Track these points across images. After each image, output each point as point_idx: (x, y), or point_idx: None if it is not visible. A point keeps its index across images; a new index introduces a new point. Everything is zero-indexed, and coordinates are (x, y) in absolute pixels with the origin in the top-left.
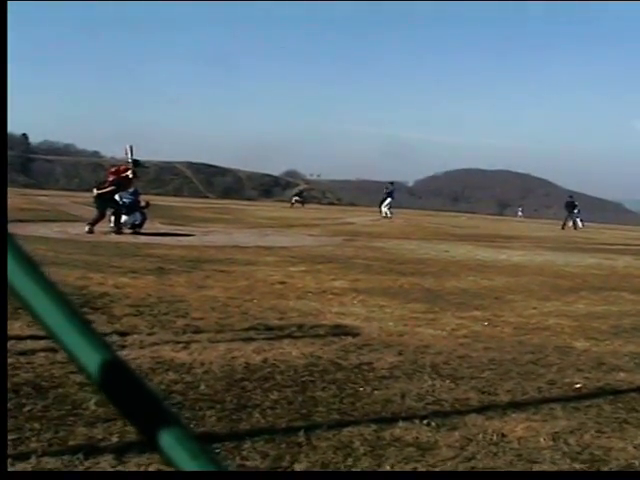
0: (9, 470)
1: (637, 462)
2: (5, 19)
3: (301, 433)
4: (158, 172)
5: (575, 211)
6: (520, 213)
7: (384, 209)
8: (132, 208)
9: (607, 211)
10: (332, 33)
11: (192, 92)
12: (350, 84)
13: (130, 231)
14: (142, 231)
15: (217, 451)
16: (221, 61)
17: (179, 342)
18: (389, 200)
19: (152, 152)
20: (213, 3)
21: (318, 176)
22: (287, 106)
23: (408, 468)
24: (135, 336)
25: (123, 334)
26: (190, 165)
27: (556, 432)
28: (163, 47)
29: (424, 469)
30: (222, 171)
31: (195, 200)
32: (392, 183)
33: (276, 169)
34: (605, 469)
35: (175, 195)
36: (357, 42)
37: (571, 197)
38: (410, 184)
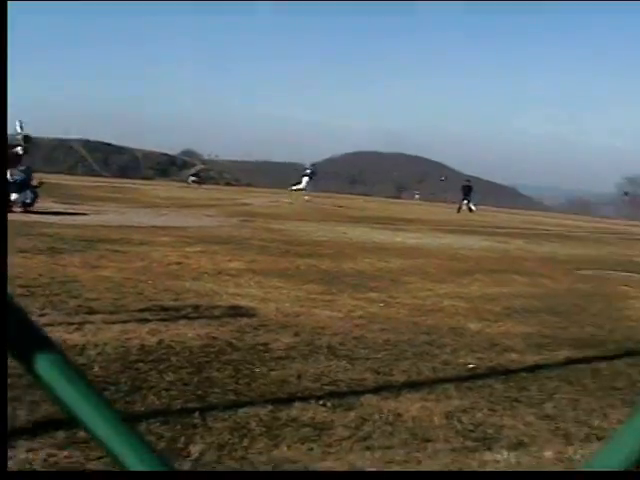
0: (9, 470)
1: (526, 439)
2: (5, 19)
3: (196, 414)
4: (51, 149)
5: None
6: (417, 196)
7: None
8: (23, 186)
9: (501, 195)
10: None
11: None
12: (241, 65)
13: (21, 210)
14: (33, 210)
15: None
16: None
17: (72, 323)
18: (306, 181)
19: (45, 128)
20: None
21: (216, 156)
22: (182, 85)
23: (304, 448)
24: None
25: None
26: (86, 143)
27: (450, 411)
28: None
29: (320, 449)
30: (118, 149)
31: (90, 179)
32: (314, 164)
33: (173, 148)
34: (496, 446)
35: (69, 173)
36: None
37: (468, 181)
38: (307, 165)
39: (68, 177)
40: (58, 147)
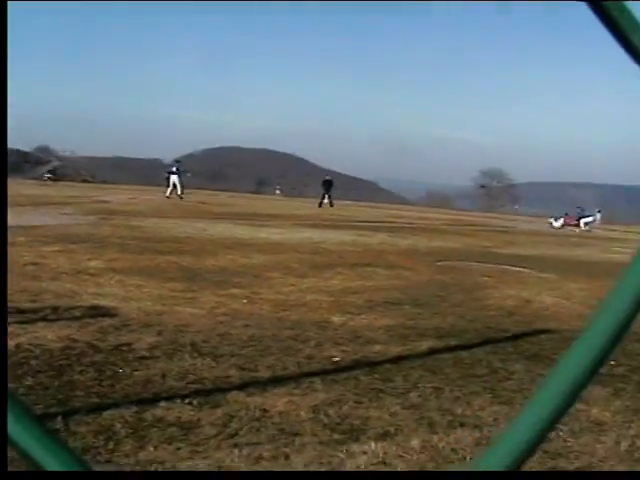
0: (9, 470)
1: (392, 429)
2: (5, 19)
3: (59, 419)
4: None
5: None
6: (278, 191)
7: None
8: None
9: (362, 189)
10: None
11: None
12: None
13: None
14: None
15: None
16: None
17: None
18: (175, 179)
19: None
20: None
21: (72, 152)
22: (36, 77)
23: (171, 448)
24: None
25: None
26: None
27: (316, 405)
28: None
29: (187, 448)
30: None
31: None
32: (178, 161)
33: (27, 144)
34: (363, 437)
35: None
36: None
37: (328, 176)
38: (168, 162)
39: None
40: None
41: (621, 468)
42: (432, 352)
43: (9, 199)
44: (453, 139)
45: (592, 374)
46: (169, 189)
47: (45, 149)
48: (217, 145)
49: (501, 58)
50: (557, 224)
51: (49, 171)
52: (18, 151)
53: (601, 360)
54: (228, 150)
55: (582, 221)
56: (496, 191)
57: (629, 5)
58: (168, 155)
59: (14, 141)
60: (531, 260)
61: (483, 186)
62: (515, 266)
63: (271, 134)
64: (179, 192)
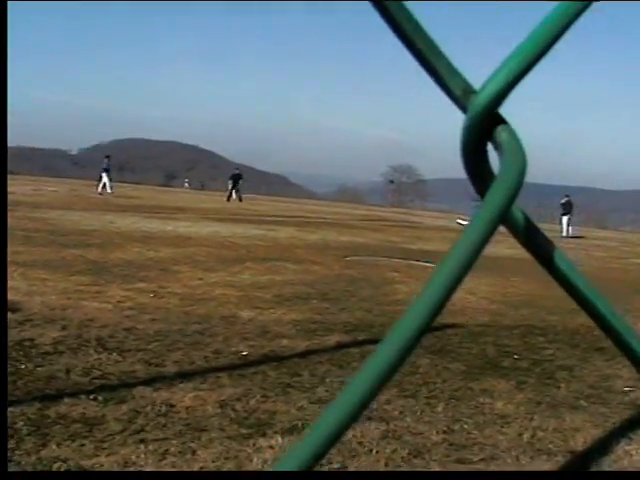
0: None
1: (300, 423)
2: (5, 19)
3: None
4: None
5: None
6: (187, 184)
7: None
8: None
9: (272, 184)
10: None
11: None
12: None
13: None
14: None
15: None
16: None
17: None
18: (106, 176)
19: None
20: None
21: None
22: None
23: (75, 445)
24: None
25: None
26: None
27: (223, 400)
28: None
29: (92, 445)
30: None
31: None
32: (108, 157)
33: None
34: (270, 432)
35: None
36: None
37: (237, 169)
38: (74, 152)
39: None
40: None
41: (523, 458)
42: (340, 346)
43: None
44: (362, 134)
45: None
46: (100, 185)
47: None
48: (125, 136)
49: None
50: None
51: None
52: None
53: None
54: (136, 141)
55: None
56: (405, 187)
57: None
58: (74, 145)
59: None
60: (439, 255)
61: (392, 181)
62: (423, 261)
63: (179, 125)
64: (109, 189)
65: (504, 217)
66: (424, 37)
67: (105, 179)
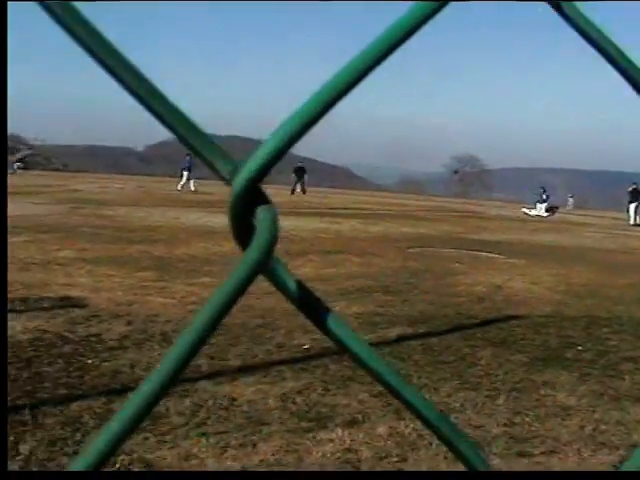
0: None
1: (360, 416)
2: (5, 19)
3: (26, 411)
4: None
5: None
6: None
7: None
8: None
9: (335, 176)
10: None
11: None
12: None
13: None
14: None
15: None
16: None
17: None
18: (186, 175)
19: None
20: None
21: (43, 140)
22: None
23: (139, 439)
24: None
25: None
26: None
27: (284, 393)
28: None
29: (155, 438)
30: None
31: None
32: (189, 155)
33: None
34: (331, 425)
35: None
36: None
37: (300, 163)
38: (140, 149)
39: None
40: None
41: (585, 451)
42: (402, 339)
43: None
44: (427, 126)
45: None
46: (182, 182)
47: (15, 138)
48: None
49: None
50: (533, 213)
51: (19, 160)
52: None
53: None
54: None
55: (539, 205)
56: (469, 177)
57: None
58: (140, 143)
59: None
60: (502, 246)
61: (456, 171)
62: (486, 252)
63: (241, 120)
64: (191, 187)
65: (259, 272)
66: (187, 124)
67: (185, 177)
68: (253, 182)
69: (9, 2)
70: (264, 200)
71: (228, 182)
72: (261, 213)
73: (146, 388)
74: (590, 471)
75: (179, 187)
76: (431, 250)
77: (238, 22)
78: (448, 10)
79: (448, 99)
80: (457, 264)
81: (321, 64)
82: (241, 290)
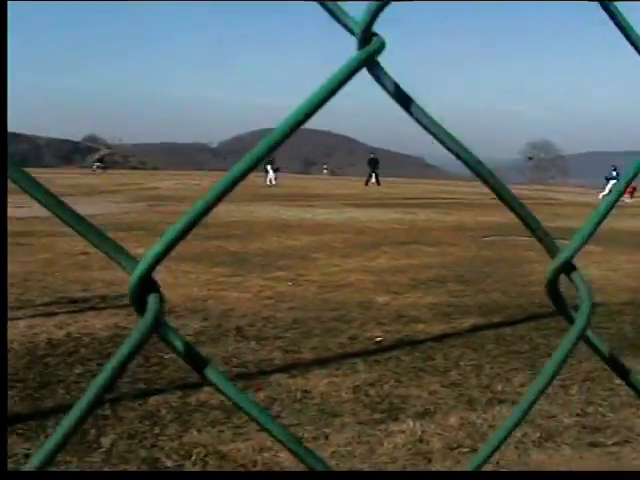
0: (8, 470)
1: (432, 407)
2: (5, 19)
3: (107, 406)
4: None
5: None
6: (325, 171)
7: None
8: None
9: (409, 166)
10: None
11: None
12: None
13: None
14: None
15: (19, 432)
16: None
17: None
18: (272, 170)
19: None
20: None
21: (120, 140)
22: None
23: (214, 432)
24: None
25: None
26: None
27: (357, 385)
28: None
29: (230, 431)
30: (15, 138)
31: None
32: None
33: (76, 134)
34: (403, 416)
35: None
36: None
37: (373, 154)
38: (214, 145)
39: None
40: None
41: None
42: (475, 329)
43: (62, 190)
44: (502, 112)
45: None
46: (268, 177)
47: (94, 138)
48: (263, 127)
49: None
50: (602, 194)
51: (98, 159)
52: (67, 141)
53: None
54: (271, 132)
55: (609, 184)
56: (544, 163)
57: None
58: (215, 138)
59: (63, 132)
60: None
61: (531, 158)
62: (562, 239)
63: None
64: (272, 181)
65: (152, 334)
66: (96, 231)
67: (270, 172)
68: (144, 276)
69: (9, 2)
70: (154, 287)
71: (128, 274)
72: (150, 297)
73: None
74: (590, 471)
75: (267, 182)
76: (505, 239)
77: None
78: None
79: (528, 87)
80: (531, 252)
81: None
82: (137, 348)
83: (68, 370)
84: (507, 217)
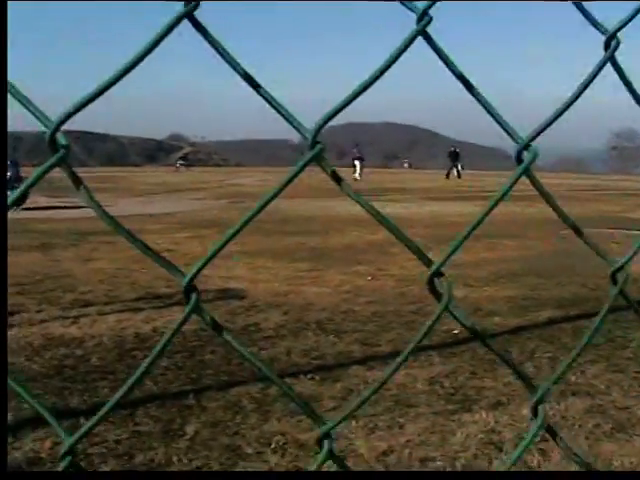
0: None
1: (504, 399)
2: (5, 19)
3: (191, 396)
4: (35, 143)
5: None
6: (406, 165)
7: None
8: (15, 180)
9: (490, 157)
10: None
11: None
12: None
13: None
14: (25, 205)
15: (111, 420)
16: None
17: (68, 317)
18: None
19: (26, 121)
20: None
21: (203, 138)
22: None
23: (293, 421)
24: (23, 314)
25: (10, 314)
26: (68, 133)
27: (432, 377)
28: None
29: (307, 421)
30: (102, 137)
31: (77, 169)
32: (357, 145)
33: (160, 133)
34: (476, 407)
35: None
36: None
37: (454, 147)
38: (295, 141)
39: (54, 170)
40: (41, 140)
41: None
42: (551, 322)
43: (146, 188)
44: (588, 101)
45: None
46: (357, 171)
47: (178, 136)
48: (343, 122)
49: None
50: None
51: (182, 157)
52: (151, 140)
53: None
54: (356, 126)
55: None
56: (629, 152)
57: None
58: (294, 134)
59: (147, 131)
60: None
61: (615, 147)
62: None
63: (393, 106)
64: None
65: None
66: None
67: (358, 166)
68: (188, 284)
69: (9, 2)
70: (195, 289)
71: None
72: (193, 294)
73: None
74: (591, 471)
75: (357, 176)
76: (587, 231)
77: None
78: None
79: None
80: (612, 244)
81: None
82: (183, 323)
83: (154, 364)
84: (588, 208)
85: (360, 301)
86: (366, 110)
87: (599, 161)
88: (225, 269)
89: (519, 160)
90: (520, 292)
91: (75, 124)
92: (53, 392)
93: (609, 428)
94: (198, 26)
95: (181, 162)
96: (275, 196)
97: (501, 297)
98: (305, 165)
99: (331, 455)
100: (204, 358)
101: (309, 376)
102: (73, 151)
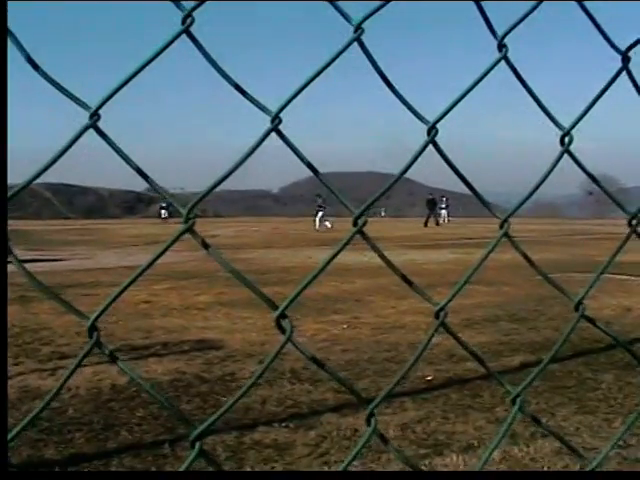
0: (9, 470)
1: (476, 442)
2: (5, 19)
3: (166, 445)
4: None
5: (442, 206)
6: (383, 213)
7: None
8: None
9: (469, 205)
10: None
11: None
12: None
13: None
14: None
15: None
16: None
17: (45, 370)
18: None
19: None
20: None
21: (182, 189)
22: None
23: (267, 468)
24: None
25: None
26: (49, 186)
27: (405, 423)
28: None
29: (281, 467)
30: (82, 190)
31: (57, 222)
32: (319, 195)
33: (138, 185)
34: (447, 451)
35: (35, 218)
36: None
37: (431, 194)
38: (275, 191)
39: (34, 222)
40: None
41: None
42: (523, 366)
43: (125, 240)
44: (554, 147)
45: None
46: (317, 222)
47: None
48: (322, 171)
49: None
50: None
51: (164, 207)
52: (131, 192)
53: None
54: (332, 176)
55: None
56: (605, 197)
57: None
58: (274, 184)
59: (126, 183)
60: (637, 267)
61: (591, 193)
62: (619, 274)
63: (374, 156)
64: (327, 224)
65: None
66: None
67: (318, 216)
68: (90, 328)
69: (9, 2)
70: (98, 332)
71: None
72: (94, 334)
73: None
74: (591, 471)
75: (317, 227)
76: (561, 275)
77: None
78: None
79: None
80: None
81: None
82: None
83: (131, 413)
84: (565, 253)
85: (335, 349)
86: (331, 159)
87: (575, 206)
88: (202, 319)
89: (562, 142)
90: (494, 337)
91: (55, 177)
92: (28, 444)
93: (578, 468)
94: (195, 41)
95: (164, 211)
96: (154, 261)
97: (475, 343)
98: (177, 238)
99: (202, 454)
100: (180, 408)
101: (283, 424)
102: (53, 203)
